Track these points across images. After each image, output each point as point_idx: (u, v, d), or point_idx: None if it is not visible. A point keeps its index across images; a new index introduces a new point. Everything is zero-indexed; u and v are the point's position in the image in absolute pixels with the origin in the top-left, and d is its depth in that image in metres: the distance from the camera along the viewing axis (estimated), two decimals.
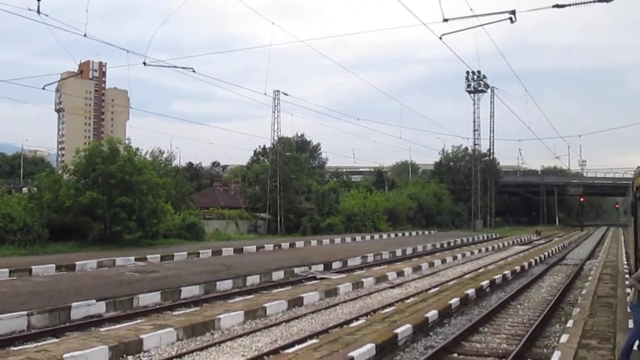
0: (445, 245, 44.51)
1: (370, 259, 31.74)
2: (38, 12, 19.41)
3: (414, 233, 61.23)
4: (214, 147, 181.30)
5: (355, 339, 11.26)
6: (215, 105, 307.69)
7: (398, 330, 11.97)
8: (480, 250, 40.06)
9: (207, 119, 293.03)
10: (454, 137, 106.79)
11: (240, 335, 12.70)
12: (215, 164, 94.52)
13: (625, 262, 27.48)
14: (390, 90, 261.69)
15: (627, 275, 21.61)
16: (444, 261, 31.39)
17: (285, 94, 51.51)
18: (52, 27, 22.00)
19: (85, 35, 22.12)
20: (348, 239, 47.01)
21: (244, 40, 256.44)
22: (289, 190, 54.07)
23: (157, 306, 16.30)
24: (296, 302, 16.85)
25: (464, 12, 17.36)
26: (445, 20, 16.60)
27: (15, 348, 11.04)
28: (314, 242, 42.11)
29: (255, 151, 77.46)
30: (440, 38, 18.51)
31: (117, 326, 12.89)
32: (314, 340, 11.56)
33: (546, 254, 35.81)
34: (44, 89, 28.59)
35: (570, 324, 12.93)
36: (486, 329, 13.94)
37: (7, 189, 40.68)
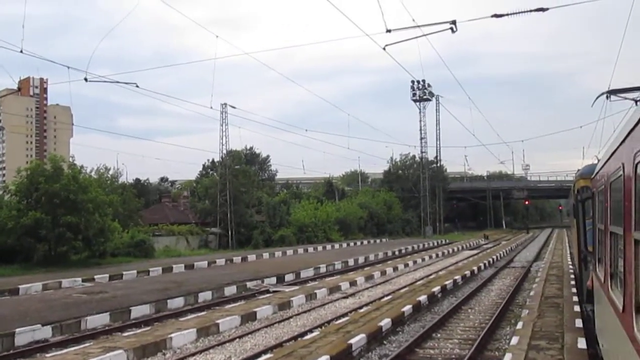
0: (397, 253, 44.93)
1: (322, 269, 31.76)
2: None
3: (365, 242, 61.59)
4: (161, 162, 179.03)
5: (310, 351, 11.21)
6: (162, 120, 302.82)
7: (352, 341, 11.98)
8: (431, 257, 40.60)
9: (154, 134, 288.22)
10: (402, 146, 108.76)
11: (193, 354, 12.51)
12: (163, 180, 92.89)
13: (570, 263, 28.28)
14: (337, 101, 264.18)
15: (572, 276, 22.26)
16: (395, 269, 31.67)
17: (233, 107, 51.12)
18: None
19: (21, 52, 21.43)
20: (300, 251, 46.92)
21: (189, 53, 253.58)
22: (240, 204, 53.72)
23: (106, 328, 15.89)
24: (249, 316, 16.71)
25: (407, 22, 17.67)
26: (389, 31, 16.78)
27: None
28: (266, 255, 41.81)
29: (204, 165, 76.49)
30: (384, 49, 18.71)
31: (64, 351, 12.50)
32: (269, 355, 11.47)
33: (494, 257, 36.55)
34: None
35: (520, 325, 13.20)
36: (439, 335, 14.11)
37: None
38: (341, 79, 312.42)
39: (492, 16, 15.96)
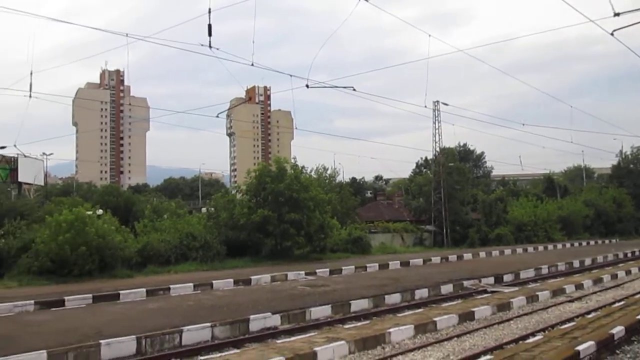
0: (629, 255, 40.96)
1: (544, 270, 30.10)
2: (210, 46, 20.90)
3: (591, 242, 57.18)
4: (376, 161, 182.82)
5: (533, 355, 10.71)
6: (377, 120, 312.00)
7: (580, 348, 11.16)
8: None
9: (369, 134, 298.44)
10: (634, 138, 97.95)
11: (411, 350, 12.60)
12: (378, 178, 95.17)
13: None
14: (557, 92, 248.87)
15: None
16: (628, 272, 28.89)
17: (445, 104, 50.70)
18: (222, 60, 23.45)
19: (252, 65, 23.39)
20: (519, 250, 45.06)
21: (402, 53, 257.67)
22: (454, 201, 53.00)
23: (329, 319, 16.71)
24: (467, 316, 16.40)
25: (638, 3, 15.97)
26: (617, 14, 15.42)
27: (202, 357, 11.94)
28: (482, 254, 40.83)
29: (417, 163, 76.96)
30: (612, 34, 17.20)
31: (292, 338, 13.37)
32: (488, 357, 11.20)
33: None
34: (217, 116, 30.66)
35: None
36: None
37: (188, 209, 44.04)
38: (561, 68, 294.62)
39: None
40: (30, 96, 25.48)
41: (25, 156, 49.09)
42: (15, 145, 44.38)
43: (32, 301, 18.35)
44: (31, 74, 25.99)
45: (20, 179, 48.48)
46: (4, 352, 11.14)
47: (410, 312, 17.42)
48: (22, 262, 25.02)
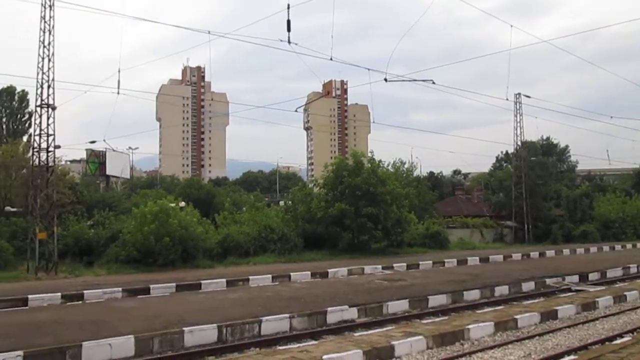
0: None
1: (633, 270, 28.71)
2: (289, 42, 21.24)
3: None
4: (454, 155, 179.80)
5: (620, 357, 10.26)
6: (455, 113, 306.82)
7: None
8: None
9: (447, 128, 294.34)
10: None
11: (491, 347, 12.34)
12: (456, 172, 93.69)
13: None
14: None
15: None
16: None
17: (527, 97, 49.04)
18: (301, 54, 23.79)
19: (331, 59, 23.61)
20: (605, 248, 43.28)
21: (482, 45, 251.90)
22: (536, 197, 51.40)
23: (406, 314, 16.62)
24: (550, 314, 15.89)
25: None
26: None
27: (280, 347, 12.15)
28: (566, 251, 39.51)
29: (497, 157, 75.30)
30: None
31: (369, 332, 13.38)
32: (572, 357, 10.87)
33: None
34: (296, 111, 31.20)
35: None
36: None
37: (266, 202, 44.82)
38: None
39: None
40: (118, 93, 26.66)
41: (113, 150, 51.45)
42: (104, 140, 46.56)
43: (120, 288, 19.30)
44: (119, 71, 27.19)
45: (108, 172, 50.88)
46: (95, 336, 11.77)
47: (490, 309, 17.09)
48: (110, 251, 26.29)
